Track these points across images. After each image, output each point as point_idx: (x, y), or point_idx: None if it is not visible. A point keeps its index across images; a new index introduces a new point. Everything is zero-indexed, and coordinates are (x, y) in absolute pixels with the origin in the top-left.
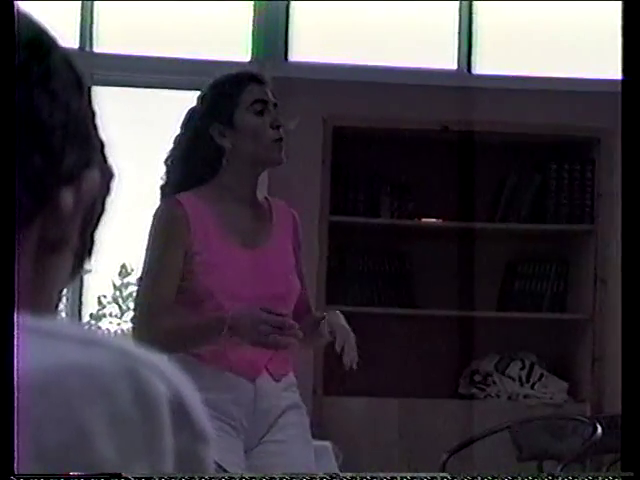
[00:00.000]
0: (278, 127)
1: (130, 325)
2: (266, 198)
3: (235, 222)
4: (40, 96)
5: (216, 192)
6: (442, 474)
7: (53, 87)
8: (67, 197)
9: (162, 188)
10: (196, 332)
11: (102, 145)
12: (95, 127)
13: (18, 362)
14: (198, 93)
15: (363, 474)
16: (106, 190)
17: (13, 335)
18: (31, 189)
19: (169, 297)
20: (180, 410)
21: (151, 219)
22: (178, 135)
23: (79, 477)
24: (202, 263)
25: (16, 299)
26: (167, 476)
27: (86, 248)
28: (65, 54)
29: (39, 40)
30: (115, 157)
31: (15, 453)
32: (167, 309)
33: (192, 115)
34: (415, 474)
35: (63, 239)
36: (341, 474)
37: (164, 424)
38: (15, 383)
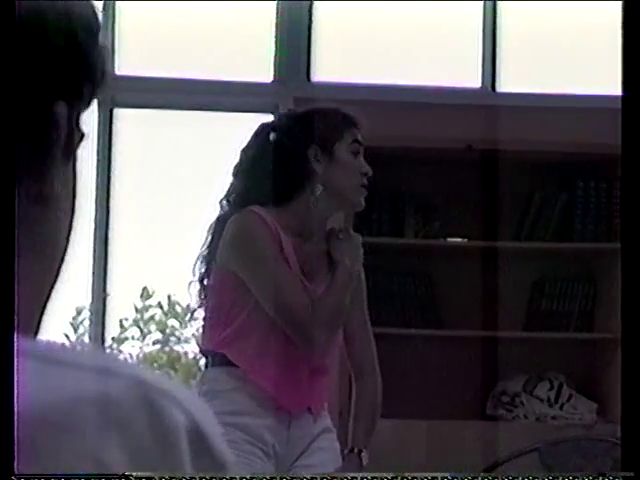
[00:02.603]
0: (366, 174)
1: (301, 334)
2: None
3: (299, 255)
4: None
5: (294, 215)
6: (475, 474)
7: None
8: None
9: (235, 201)
10: (342, 288)
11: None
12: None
13: (33, 392)
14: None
15: (403, 474)
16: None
17: (13, 351)
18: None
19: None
20: (199, 439)
21: (238, 231)
22: (250, 149)
23: (81, 477)
24: None
25: (16, 325)
26: (168, 476)
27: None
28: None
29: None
30: (137, 178)
31: (15, 454)
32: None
33: (279, 132)
34: (454, 474)
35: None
36: (379, 474)
37: (182, 453)
38: (16, 390)
